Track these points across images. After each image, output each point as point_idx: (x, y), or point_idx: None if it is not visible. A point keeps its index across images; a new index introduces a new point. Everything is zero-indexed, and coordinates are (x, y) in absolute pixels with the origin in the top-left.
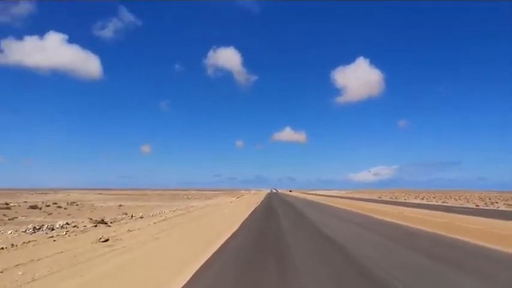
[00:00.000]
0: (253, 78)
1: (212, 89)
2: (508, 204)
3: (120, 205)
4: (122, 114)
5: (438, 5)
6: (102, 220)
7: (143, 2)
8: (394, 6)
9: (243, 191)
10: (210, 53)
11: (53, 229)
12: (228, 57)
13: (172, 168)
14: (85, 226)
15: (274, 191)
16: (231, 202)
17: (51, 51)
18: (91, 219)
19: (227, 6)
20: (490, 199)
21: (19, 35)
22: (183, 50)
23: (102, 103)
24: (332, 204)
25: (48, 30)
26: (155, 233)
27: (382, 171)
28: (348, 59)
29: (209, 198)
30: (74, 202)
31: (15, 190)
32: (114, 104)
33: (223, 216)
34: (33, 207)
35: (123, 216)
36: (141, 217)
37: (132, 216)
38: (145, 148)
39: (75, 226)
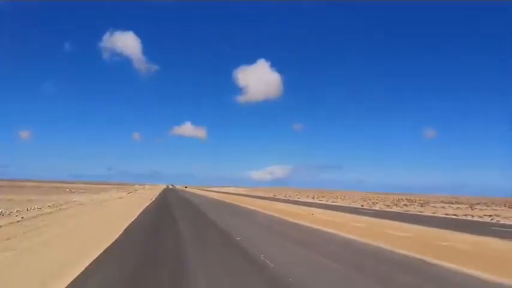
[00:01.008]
0: (154, 68)
1: (108, 74)
2: (386, 205)
3: None
4: None
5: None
6: None
7: None
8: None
9: (136, 186)
10: (107, 36)
11: None
12: (126, 43)
13: (58, 158)
14: None
15: (171, 186)
16: (120, 198)
17: None
18: None
19: None
20: (370, 200)
21: None
22: (75, 28)
23: None
24: (237, 203)
25: None
26: None
27: (277, 170)
28: (250, 60)
29: (97, 193)
30: None
31: None
32: None
33: (100, 219)
34: None
35: None
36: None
37: None
38: (24, 134)
39: None
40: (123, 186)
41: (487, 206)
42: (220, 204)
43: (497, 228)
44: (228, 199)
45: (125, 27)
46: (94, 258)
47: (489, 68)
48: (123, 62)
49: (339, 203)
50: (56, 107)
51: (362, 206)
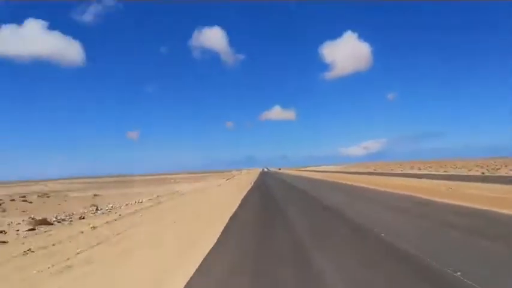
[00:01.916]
0: (241, 57)
1: (199, 70)
2: None
3: (95, 194)
4: (108, 101)
5: None
6: (45, 220)
7: None
8: None
9: (234, 172)
10: (195, 34)
11: None
12: (213, 37)
13: (161, 152)
14: (18, 231)
15: (266, 170)
16: (219, 185)
17: (31, 39)
18: (32, 218)
19: None
20: (487, 166)
21: None
22: (168, 32)
23: (86, 90)
24: (344, 182)
25: (27, 18)
26: (75, 252)
27: (371, 144)
28: (336, 34)
29: (197, 181)
30: (46, 194)
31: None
32: (98, 91)
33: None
34: None
35: (90, 209)
36: (110, 209)
37: (96, 210)
38: (133, 134)
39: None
40: (221, 173)
41: None
42: (325, 184)
43: None
44: (330, 177)
45: (211, 23)
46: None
47: None
48: (211, 57)
49: (454, 171)
50: (157, 107)
51: (483, 173)
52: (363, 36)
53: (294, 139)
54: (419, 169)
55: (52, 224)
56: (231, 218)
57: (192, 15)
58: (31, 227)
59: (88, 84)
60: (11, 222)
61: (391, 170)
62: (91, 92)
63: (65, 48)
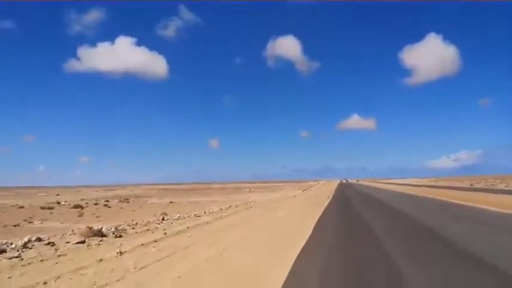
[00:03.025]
0: (316, 65)
1: (274, 79)
2: None
3: (170, 202)
4: (190, 110)
5: None
6: (99, 231)
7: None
8: None
9: (311, 182)
10: (270, 44)
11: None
12: (287, 46)
13: (240, 161)
14: (67, 243)
15: (345, 181)
16: (294, 197)
17: (121, 55)
18: (90, 228)
19: None
20: None
21: (92, 42)
22: (243, 43)
23: (169, 101)
24: (452, 200)
25: (118, 35)
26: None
27: (463, 156)
28: (417, 37)
29: (273, 191)
30: (127, 199)
31: (90, 187)
32: (181, 101)
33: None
34: (76, 206)
35: (159, 217)
36: (178, 219)
37: (162, 219)
38: (214, 142)
39: (49, 244)
40: (298, 183)
41: None
42: (426, 202)
43: None
44: (425, 193)
45: (285, 32)
46: None
47: None
48: (286, 65)
49: None
50: (235, 116)
51: None
52: (449, 38)
53: (374, 149)
54: None
55: (104, 237)
56: (303, 250)
57: (266, 26)
58: (82, 239)
59: (171, 95)
60: (72, 231)
61: (492, 185)
62: (174, 102)
63: (150, 63)
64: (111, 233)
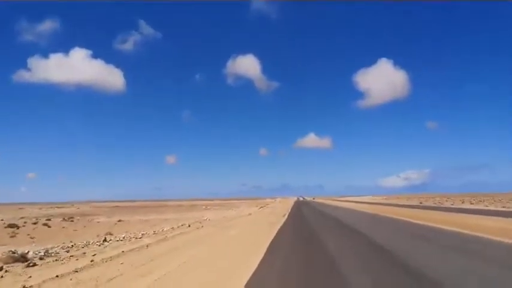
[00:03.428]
0: (274, 85)
1: (233, 97)
2: None
3: (119, 220)
4: (147, 125)
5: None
6: (23, 256)
7: (161, 15)
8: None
9: (268, 200)
10: (230, 62)
11: None
12: (247, 65)
13: (198, 178)
14: None
15: (302, 198)
16: (250, 214)
17: (76, 67)
18: (13, 252)
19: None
20: None
21: (45, 53)
22: (203, 60)
23: (126, 116)
24: (406, 219)
25: (74, 47)
26: None
27: (413, 175)
28: (369, 61)
29: (229, 209)
30: (72, 217)
31: (35, 204)
32: (138, 116)
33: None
34: (11, 225)
35: (102, 238)
36: (122, 239)
37: (104, 240)
38: (171, 159)
39: None
40: (256, 200)
41: None
42: (381, 221)
43: None
44: (380, 211)
45: (245, 50)
46: None
47: None
48: (245, 84)
49: None
50: (193, 133)
51: None
52: (399, 63)
53: (330, 168)
54: (471, 203)
55: (27, 261)
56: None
57: (226, 43)
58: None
59: (128, 110)
60: None
61: (439, 203)
62: (131, 117)
63: (107, 76)
64: (38, 258)
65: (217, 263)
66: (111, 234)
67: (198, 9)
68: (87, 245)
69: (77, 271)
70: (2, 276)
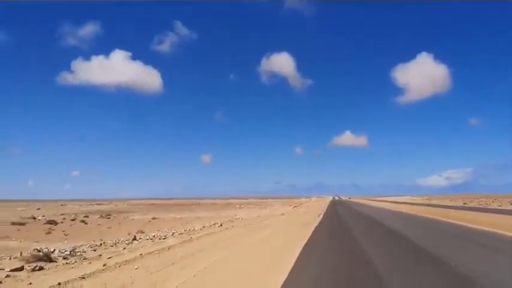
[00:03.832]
0: (309, 82)
1: (267, 95)
2: None
3: (153, 218)
4: (183, 124)
5: None
6: (47, 255)
7: (197, 15)
8: None
9: (302, 199)
10: (264, 60)
11: None
12: (281, 63)
13: (232, 176)
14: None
15: (337, 198)
16: (282, 214)
17: (116, 68)
18: (39, 251)
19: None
20: None
21: (87, 56)
22: (237, 59)
23: (164, 115)
24: (467, 224)
25: (114, 49)
26: None
27: (454, 174)
28: (409, 56)
29: (263, 208)
30: (109, 214)
31: (77, 201)
32: (175, 116)
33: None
34: (50, 222)
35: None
36: (152, 238)
37: (133, 239)
38: (206, 158)
39: None
40: (291, 199)
41: None
42: (431, 224)
43: None
44: (416, 211)
45: (279, 48)
46: None
47: None
48: (279, 82)
49: None
50: (228, 131)
51: None
52: (440, 57)
53: (366, 166)
54: None
55: (53, 262)
56: None
57: (260, 42)
58: (20, 266)
59: (165, 110)
60: (21, 253)
61: (486, 204)
62: (168, 117)
63: (145, 77)
64: (62, 258)
65: (241, 271)
66: (142, 232)
67: (232, 9)
68: (116, 243)
69: (83, 277)
70: (0, 282)
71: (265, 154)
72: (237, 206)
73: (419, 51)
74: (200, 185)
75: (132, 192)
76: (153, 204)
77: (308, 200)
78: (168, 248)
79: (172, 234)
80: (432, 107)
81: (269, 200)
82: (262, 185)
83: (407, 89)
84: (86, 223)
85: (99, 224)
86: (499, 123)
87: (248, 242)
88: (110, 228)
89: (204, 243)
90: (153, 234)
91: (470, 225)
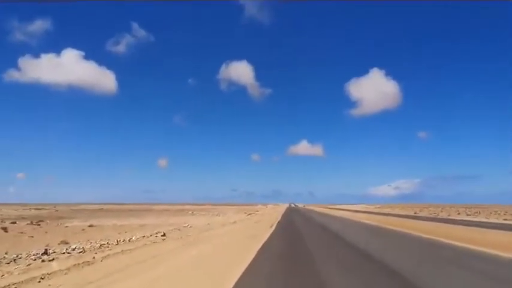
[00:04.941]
0: (267, 91)
1: (226, 102)
2: None
3: (90, 225)
4: (139, 127)
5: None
6: None
7: (155, 18)
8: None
9: (259, 206)
10: (223, 67)
11: None
12: (241, 71)
13: (189, 182)
14: None
15: (294, 205)
16: (234, 223)
17: (67, 67)
18: None
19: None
20: None
21: (36, 53)
22: (196, 64)
23: (118, 118)
24: (414, 233)
25: (66, 47)
26: None
27: (404, 184)
28: (362, 71)
29: (216, 215)
30: (41, 220)
31: (19, 205)
32: (130, 119)
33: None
34: None
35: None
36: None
37: (44, 253)
38: (163, 162)
39: None
40: (246, 206)
41: None
42: (387, 235)
43: None
44: (378, 221)
45: (239, 57)
46: None
47: None
48: (238, 90)
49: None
50: (185, 137)
51: None
52: (391, 73)
53: (322, 175)
54: (468, 215)
55: None
56: None
57: (220, 49)
58: None
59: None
60: None
61: (435, 214)
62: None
63: (99, 77)
64: None
65: None
66: (66, 243)
67: (191, 13)
68: (15, 259)
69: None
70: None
71: (222, 160)
72: (190, 212)
73: (372, 67)
74: (156, 190)
75: (87, 196)
76: (101, 209)
77: (264, 207)
78: (41, 278)
79: (100, 245)
80: (383, 120)
81: (225, 206)
82: (219, 191)
83: (360, 102)
84: (6, 231)
85: (22, 232)
86: (446, 136)
87: (175, 264)
88: (32, 237)
89: (110, 266)
90: (74, 247)
91: (457, 243)
